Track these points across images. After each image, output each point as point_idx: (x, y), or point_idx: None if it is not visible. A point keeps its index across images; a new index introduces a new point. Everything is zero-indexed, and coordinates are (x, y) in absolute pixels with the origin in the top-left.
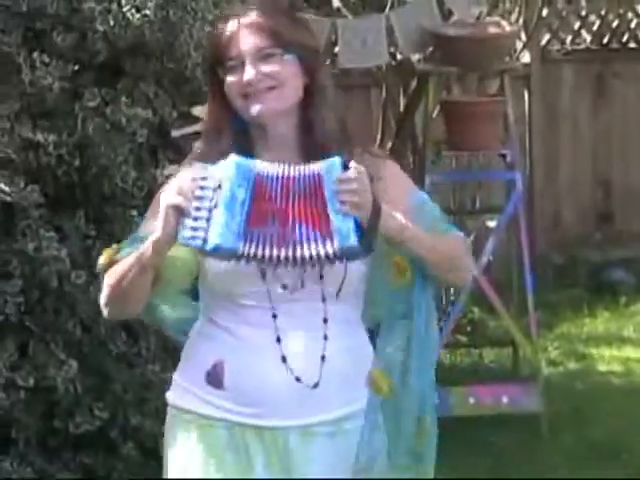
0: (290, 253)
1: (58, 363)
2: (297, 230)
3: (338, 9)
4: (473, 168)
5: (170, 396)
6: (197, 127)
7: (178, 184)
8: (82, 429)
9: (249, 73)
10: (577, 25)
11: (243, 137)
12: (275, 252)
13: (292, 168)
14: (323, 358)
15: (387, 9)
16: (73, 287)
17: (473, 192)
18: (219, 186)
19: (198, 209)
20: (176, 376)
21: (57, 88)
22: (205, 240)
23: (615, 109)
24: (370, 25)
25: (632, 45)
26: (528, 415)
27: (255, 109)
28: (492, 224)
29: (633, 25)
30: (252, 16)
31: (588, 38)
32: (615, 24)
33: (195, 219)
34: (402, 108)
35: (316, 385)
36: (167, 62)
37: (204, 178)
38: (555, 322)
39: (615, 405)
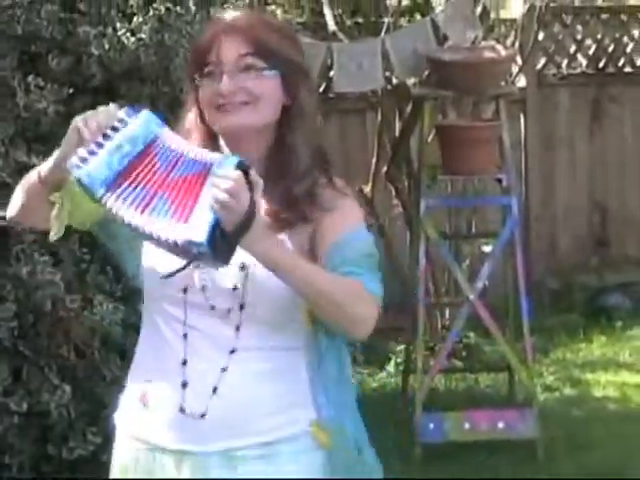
0: (141, 222)
1: (52, 388)
2: (160, 204)
3: (334, 33)
4: (468, 193)
5: (115, 418)
6: None
7: (97, 112)
8: (76, 454)
9: (225, 83)
10: (573, 49)
11: (213, 148)
12: (128, 213)
13: (192, 149)
14: (215, 390)
15: (383, 33)
16: (67, 311)
17: (469, 217)
18: (121, 124)
19: (98, 145)
20: (121, 398)
21: (52, 112)
22: (86, 171)
23: (611, 133)
24: (366, 49)
25: (628, 69)
26: (524, 440)
27: (225, 122)
28: (488, 249)
29: (629, 49)
30: (238, 21)
31: (584, 62)
32: (611, 48)
33: (90, 152)
34: (397, 132)
35: (203, 416)
36: (162, 86)
37: (121, 120)
38: (551, 347)
39: (611, 431)
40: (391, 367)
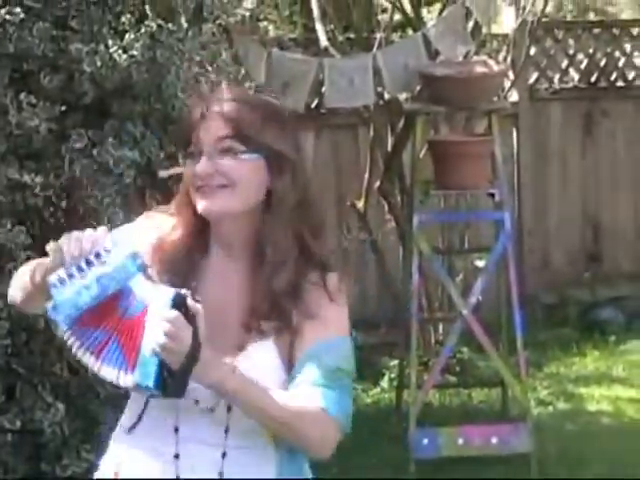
0: (96, 366)
1: (45, 406)
2: (112, 348)
3: (326, 49)
4: (461, 207)
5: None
6: (181, 170)
7: (79, 234)
8: (69, 471)
9: (202, 166)
10: (565, 64)
11: (199, 228)
12: (84, 355)
13: (143, 287)
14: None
15: (375, 49)
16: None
17: (461, 232)
18: (103, 262)
19: (79, 269)
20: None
21: (44, 129)
22: (56, 301)
23: (604, 147)
24: (357, 65)
25: (620, 83)
26: (518, 455)
27: (202, 206)
28: (481, 264)
29: (621, 64)
30: (222, 104)
31: (576, 77)
32: (603, 63)
33: (69, 275)
34: (390, 147)
35: None
36: (154, 103)
37: (107, 250)
38: (544, 362)
39: (605, 445)
40: (385, 382)
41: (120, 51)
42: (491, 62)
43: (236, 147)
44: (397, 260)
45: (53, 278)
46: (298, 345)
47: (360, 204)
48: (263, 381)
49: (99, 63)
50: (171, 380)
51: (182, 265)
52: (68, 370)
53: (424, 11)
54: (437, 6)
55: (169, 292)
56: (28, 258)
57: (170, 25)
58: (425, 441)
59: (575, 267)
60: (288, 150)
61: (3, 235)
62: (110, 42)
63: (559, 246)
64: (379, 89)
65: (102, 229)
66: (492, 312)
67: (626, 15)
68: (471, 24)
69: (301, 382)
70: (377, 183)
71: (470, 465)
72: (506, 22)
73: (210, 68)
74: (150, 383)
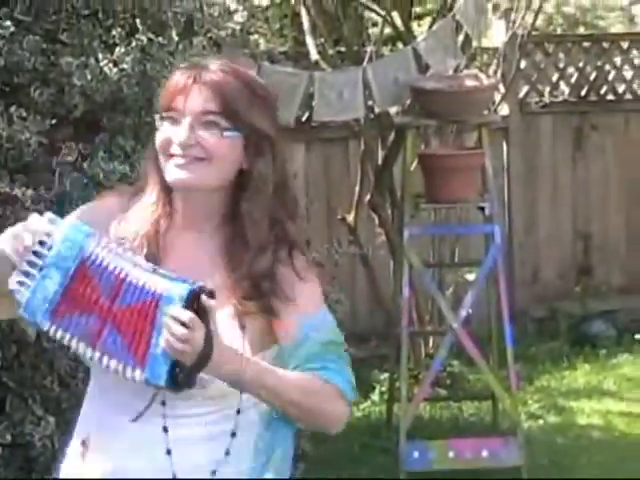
0: (95, 356)
1: (35, 419)
2: (111, 338)
3: (316, 62)
4: (451, 221)
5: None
6: None
7: (18, 228)
8: None
9: (183, 133)
10: (555, 77)
11: (166, 194)
12: (80, 346)
13: (132, 272)
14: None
15: (365, 62)
16: (51, 342)
17: (452, 245)
18: (50, 247)
19: (31, 264)
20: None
21: (34, 143)
22: (26, 302)
23: (594, 161)
24: (347, 79)
25: (610, 97)
26: (508, 469)
27: (174, 175)
28: (471, 277)
29: (611, 77)
30: (211, 75)
31: (566, 90)
32: (593, 76)
33: (26, 274)
34: (380, 161)
35: None
36: (145, 116)
37: (49, 234)
38: (535, 375)
39: (595, 458)
40: (375, 396)
41: (111, 64)
42: (481, 76)
43: (221, 123)
44: (388, 274)
45: (12, 284)
46: (281, 331)
47: (350, 218)
48: None
49: (89, 77)
50: (183, 377)
51: (150, 237)
52: (58, 383)
53: (414, 25)
54: (427, 20)
55: (181, 287)
56: None
57: (160, 39)
58: (416, 454)
59: (566, 280)
60: (271, 130)
61: None
62: (100, 56)
63: (549, 259)
64: (369, 103)
65: (34, 215)
66: (482, 325)
67: (616, 29)
68: (461, 38)
69: (301, 365)
70: (367, 196)
71: (460, 478)
72: (496, 36)
73: None
74: (162, 382)
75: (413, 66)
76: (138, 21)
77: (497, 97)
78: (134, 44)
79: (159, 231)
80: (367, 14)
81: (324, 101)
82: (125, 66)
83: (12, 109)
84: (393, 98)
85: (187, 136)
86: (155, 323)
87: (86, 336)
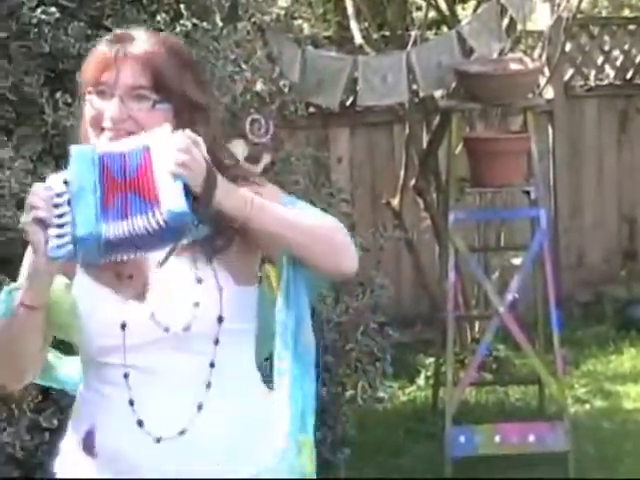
0: (128, 227)
1: None
2: (131, 202)
3: (360, 46)
4: (497, 205)
5: (55, 464)
6: None
7: (29, 199)
8: None
9: (114, 109)
10: (600, 60)
11: None
12: (117, 227)
13: (125, 142)
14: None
15: (409, 46)
16: None
17: (497, 229)
18: (66, 184)
19: (60, 216)
20: (62, 444)
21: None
22: (74, 240)
23: (639, 144)
24: (391, 63)
25: None
26: (554, 453)
27: (106, 148)
28: (517, 261)
29: None
30: (139, 47)
31: (612, 73)
32: (638, 59)
33: (60, 226)
34: (425, 145)
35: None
36: None
37: (56, 180)
38: (581, 359)
39: None
40: (421, 380)
41: None
42: (526, 59)
43: (152, 96)
44: (433, 258)
45: (53, 243)
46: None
47: (395, 202)
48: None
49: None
50: (197, 203)
51: None
52: None
53: (459, 8)
54: (472, 3)
55: (164, 129)
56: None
57: (205, 24)
58: (462, 439)
59: (611, 264)
60: (202, 99)
61: None
62: None
63: (595, 243)
64: (414, 87)
65: (38, 185)
66: (528, 310)
67: None
68: (506, 21)
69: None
70: (412, 181)
71: (506, 463)
72: (541, 19)
73: (245, 66)
74: (180, 204)
75: (457, 50)
76: (182, 6)
77: (542, 80)
78: (178, 29)
79: None
80: None
81: (368, 85)
82: None
83: (57, 95)
84: (437, 82)
85: (119, 110)
86: (154, 168)
87: (119, 215)
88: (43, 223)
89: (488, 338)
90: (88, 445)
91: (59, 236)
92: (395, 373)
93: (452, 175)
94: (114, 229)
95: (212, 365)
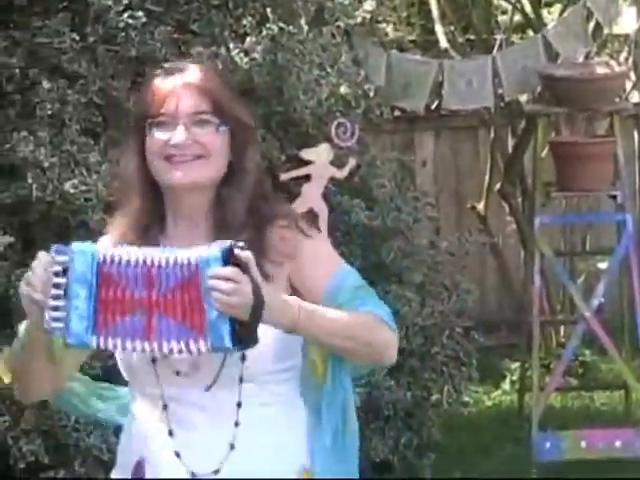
0: (155, 346)
1: None
2: (163, 324)
3: (445, 50)
4: (583, 209)
5: None
6: (305, 170)
7: (29, 273)
8: None
9: (180, 135)
10: None
11: (154, 201)
12: (137, 345)
13: (155, 256)
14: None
15: (495, 50)
16: None
17: (583, 234)
18: (64, 272)
19: (56, 297)
20: (112, 474)
21: None
22: (67, 331)
23: None
24: (476, 67)
25: None
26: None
27: (176, 176)
28: (603, 266)
29: None
30: (195, 76)
31: None
32: None
33: (54, 309)
34: (510, 149)
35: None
36: (275, 105)
37: (58, 262)
38: None
39: None
40: (506, 385)
41: (241, 54)
42: (612, 63)
43: (212, 120)
44: (518, 262)
45: (47, 325)
46: (305, 289)
47: (480, 206)
48: None
49: (220, 66)
50: (244, 332)
51: (144, 243)
52: None
53: (544, 12)
54: (557, 7)
55: (213, 249)
56: None
57: (291, 28)
58: (548, 444)
59: None
60: (251, 121)
61: None
62: (231, 45)
63: None
64: (499, 91)
65: (41, 253)
66: (614, 314)
67: None
68: (592, 25)
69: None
70: (498, 185)
71: (592, 468)
72: (627, 22)
73: (330, 70)
74: (227, 343)
75: (543, 54)
76: (268, 10)
77: (628, 85)
78: (264, 33)
79: (149, 234)
80: (496, 1)
81: (453, 89)
82: (256, 55)
83: None
84: (522, 86)
85: (185, 136)
86: (201, 291)
87: (137, 333)
88: (37, 303)
89: (574, 343)
90: (139, 476)
91: (55, 319)
92: (480, 377)
93: (538, 179)
94: (115, 342)
95: (239, 405)
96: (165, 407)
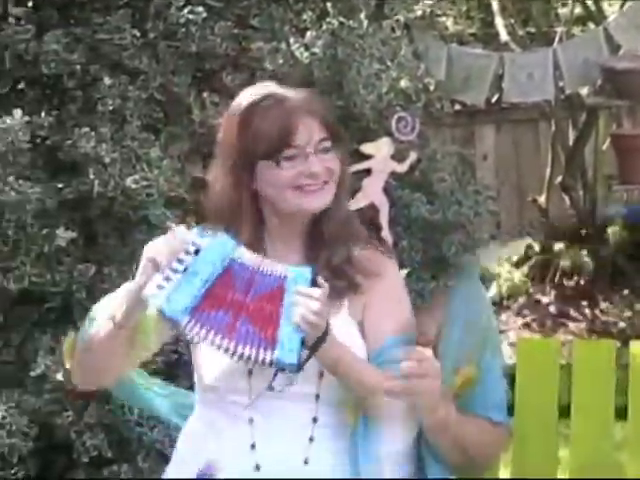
0: (230, 346)
1: None
2: (244, 328)
3: (506, 43)
4: None
5: None
6: (366, 165)
7: (168, 239)
8: None
9: (317, 166)
10: None
11: (258, 227)
12: (214, 339)
13: (265, 263)
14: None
15: (555, 43)
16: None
17: None
18: (196, 253)
19: (174, 270)
20: (168, 469)
21: None
22: (167, 301)
23: None
24: (537, 60)
25: None
26: None
27: (310, 204)
28: None
29: None
30: (312, 104)
31: None
32: None
33: (166, 279)
34: (571, 142)
35: None
36: (335, 99)
37: (194, 243)
38: None
39: None
40: None
41: (302, 49)
42: None
43: (330, 146)
44: None
45: (149, 289)
46: (368, 311)
47: (542, 199)
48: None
49: (281, 61)
50: (304, 356)
51: None
52: None
53: (605, 4)
54: None
55: (304, 270)
56: None
57: (351, 22)
58: None
59: None
60: (345, 137)
61: None
62: (292, 40)
63: None
64: (560, 84)
65: (181, 227)
66: None
67: None
68: None
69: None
70: (559, 178)
71: None
72: None
73: (390, 64)
74: (293, 360)
75: (604, 46)
76: (329, 5)
77: None
78: (325, 27)
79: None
80: None
81: (514, 82)
82: (316, 50)
83: (205, 94)
84: (583, 79)
85: (319, 165)
86: (281, 305)
87: (220, 330)
88: (157, 266)
89: None
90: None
91: (160, 287)
92: None
93: (599, 172)
94: (199, 331)
95: (315, 420)
96: (251, 420)
